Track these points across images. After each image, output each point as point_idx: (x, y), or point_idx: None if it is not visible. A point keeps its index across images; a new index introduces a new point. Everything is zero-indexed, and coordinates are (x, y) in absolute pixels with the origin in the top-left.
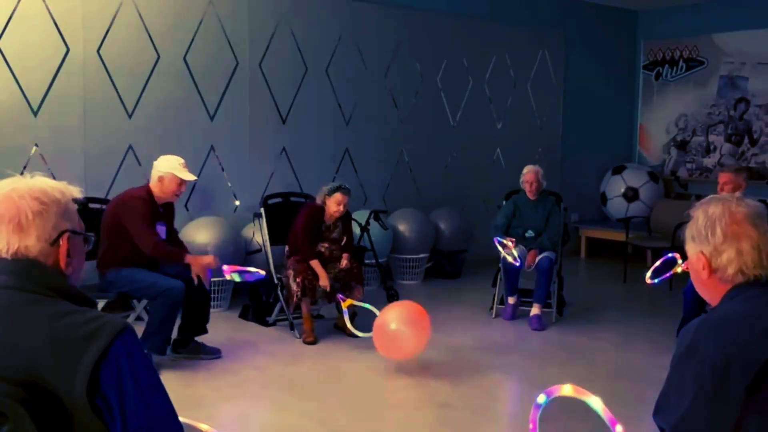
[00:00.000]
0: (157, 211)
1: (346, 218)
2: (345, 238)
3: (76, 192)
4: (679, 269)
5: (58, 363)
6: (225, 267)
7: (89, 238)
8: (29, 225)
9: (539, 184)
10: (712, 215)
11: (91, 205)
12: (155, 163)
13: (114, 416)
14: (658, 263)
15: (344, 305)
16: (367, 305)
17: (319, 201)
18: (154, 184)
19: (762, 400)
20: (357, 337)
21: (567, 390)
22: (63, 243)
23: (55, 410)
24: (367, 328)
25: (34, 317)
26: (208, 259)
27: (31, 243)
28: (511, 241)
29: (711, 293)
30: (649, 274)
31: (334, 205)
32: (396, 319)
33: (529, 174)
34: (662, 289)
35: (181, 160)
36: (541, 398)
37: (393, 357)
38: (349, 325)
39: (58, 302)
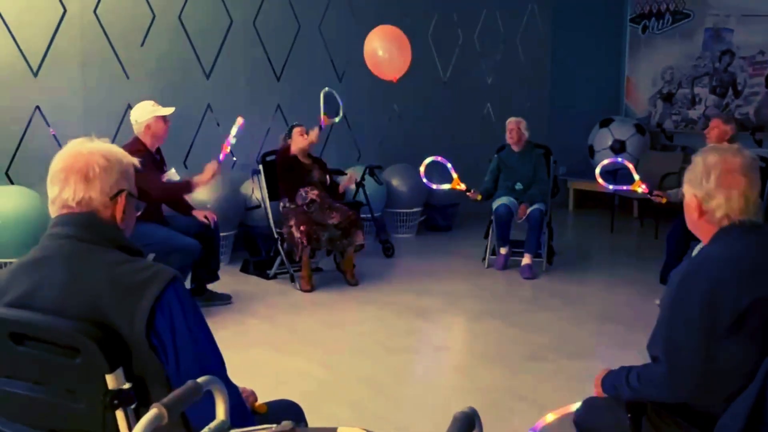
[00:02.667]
0: (156, 159)
1: (319, 161)
2: (328, 179)
3: (136, 161)
4: (638, 189)
5: (118, 305)
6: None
7: (140, 206)
8: (95, 177)
9: (520, 133)
10: (708, 163)
11: None
12: (133, 116)
13: (167, 351)
14: (607, 162)
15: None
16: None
17: (281, 145)
18: (143, 135)
19: (744, 335)
20: (357, 284)
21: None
22: (121, 200)
23: (118, 345)
24: (370, 277)
25: (96, 264)
26: (211, 169)
27: (95, 195)
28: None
29: (700, 232)
30: (598, 170)
31: (298, 139)
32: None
33: (511, 124)
34: (648, 236)
35: (152, 102)
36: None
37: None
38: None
39: (115, 252)
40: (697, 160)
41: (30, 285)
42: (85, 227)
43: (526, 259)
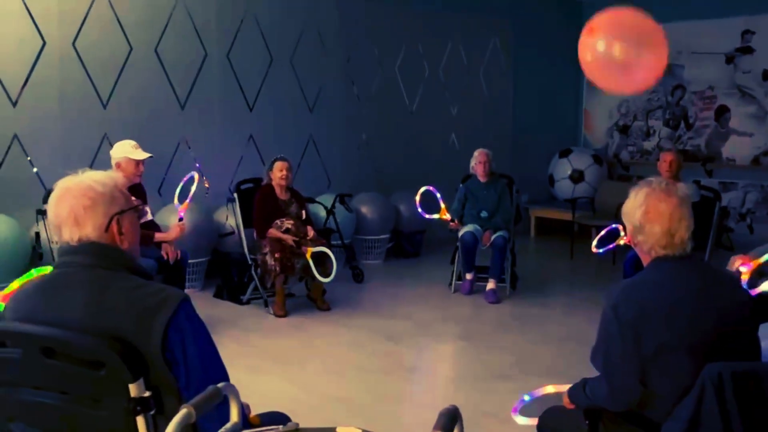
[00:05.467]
0: None
1: (296, 195)
2: (304, 213)
3: (120, 178)
4: (621, 241)
5: (136, 325)
6: (181, 213)
7: (138, 208)
8: (84, 219)
9: (490, 165)
10: (639, 200)
11: None
12: (111, 152)
13: (179, 365)
14: (603, 233)
15: (307, 255)
16: (323, 249)
17: (266, 181)
18: (114, 173)
19: (671, 359)
20: (329, 309)
21: (550, 389)
22: (113, 226)
23: (137, 359)
24: (341, 302)
25: (114, 288)
26: (174, 234)
27: (89, 231)
28: (454, 223)
29: (641, 256)
30: (594, 243)
31: (277, 173)
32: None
33: (480, 156)
34: (606, 262)
35: (133, 142)
36: (526, 397)
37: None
38: (313, 269)
39: (128, 276)
40: (631, 195)
41: (57, 307)
42: (96, 255)
43: (490, 284)
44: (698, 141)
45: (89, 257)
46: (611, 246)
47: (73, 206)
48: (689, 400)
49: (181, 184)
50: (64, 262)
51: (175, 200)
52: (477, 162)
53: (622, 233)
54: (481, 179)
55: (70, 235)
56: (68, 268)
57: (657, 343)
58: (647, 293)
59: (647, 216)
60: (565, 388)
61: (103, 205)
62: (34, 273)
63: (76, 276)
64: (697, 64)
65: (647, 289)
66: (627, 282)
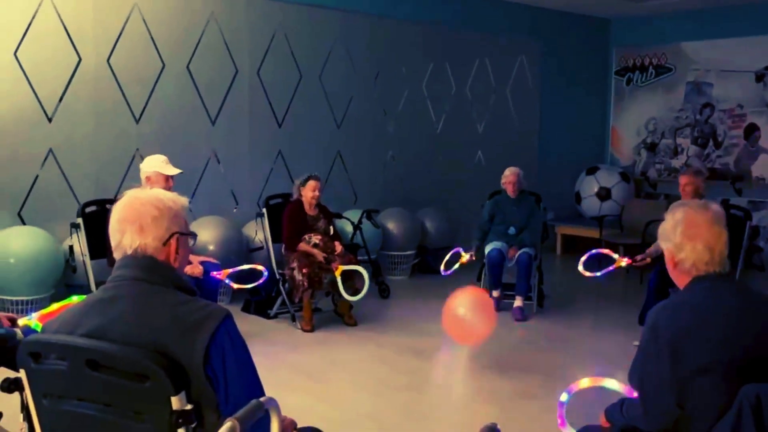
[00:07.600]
0: None
1: (325, 211)
2: (332, 229)
3: (185, 201)
4: (622, 264)
5: (179, 340)
6: (216, 273)
7: (194, 236)
8: (148, 227)
9: (519, 184)
10: (676, 218)
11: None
12: (141, 165)
13: (219, 380)
14: (584, 257)
15: (337, 273)
16: (355, 267)
17: (295, 196)
18: (143, 186)
19: (710, 379)
20: (356, 324)
21: (585, 383)
22: (173, 242)
23: (179, 373)
24: (368, 318)
25: (160, 303)
26: (194, 270)
27: (149, 242)
28: (471, 255)
29: (678, 280)
30: (580, 266)
31: (309, 192)
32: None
33: (510, 175)
34: (633, 282)
35: (164, 158)
36: (563, 396)
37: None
38: (341, 287)
39: (174, 292)
40: (668, 217)
41: (103, 320)
42: (148, 271)
43: (517, 302)
44: (727, 159)
45: (140, 271)
46: (611, 267)
47: (142, 213)
48: (726, 422)
49: (245, 267)
50: (118, 275)
51: (224, 275)
52: (507, 181)
53: (615, 256)
54: (511, 195)
55: (131, 241)
56: (120, 282)
57: (695, 364)
58: (686, 314)
59: (687, 232)
60: (602, 381)
61: (168, 219)
62: (74, 299)
63: (124, 289)
64: (726, 82)
65: (686, 310)
66: (666, 302)
